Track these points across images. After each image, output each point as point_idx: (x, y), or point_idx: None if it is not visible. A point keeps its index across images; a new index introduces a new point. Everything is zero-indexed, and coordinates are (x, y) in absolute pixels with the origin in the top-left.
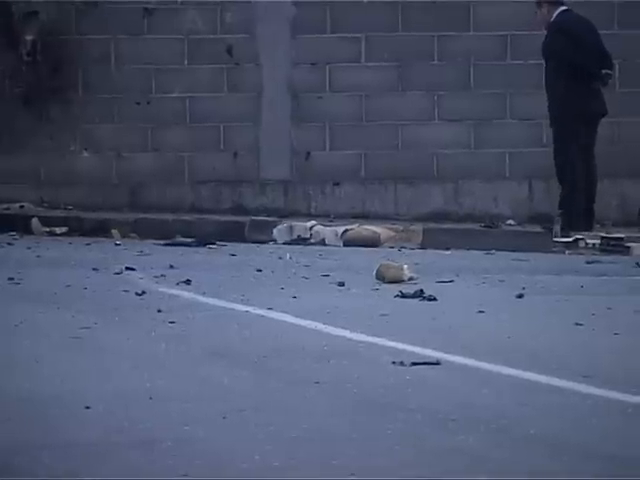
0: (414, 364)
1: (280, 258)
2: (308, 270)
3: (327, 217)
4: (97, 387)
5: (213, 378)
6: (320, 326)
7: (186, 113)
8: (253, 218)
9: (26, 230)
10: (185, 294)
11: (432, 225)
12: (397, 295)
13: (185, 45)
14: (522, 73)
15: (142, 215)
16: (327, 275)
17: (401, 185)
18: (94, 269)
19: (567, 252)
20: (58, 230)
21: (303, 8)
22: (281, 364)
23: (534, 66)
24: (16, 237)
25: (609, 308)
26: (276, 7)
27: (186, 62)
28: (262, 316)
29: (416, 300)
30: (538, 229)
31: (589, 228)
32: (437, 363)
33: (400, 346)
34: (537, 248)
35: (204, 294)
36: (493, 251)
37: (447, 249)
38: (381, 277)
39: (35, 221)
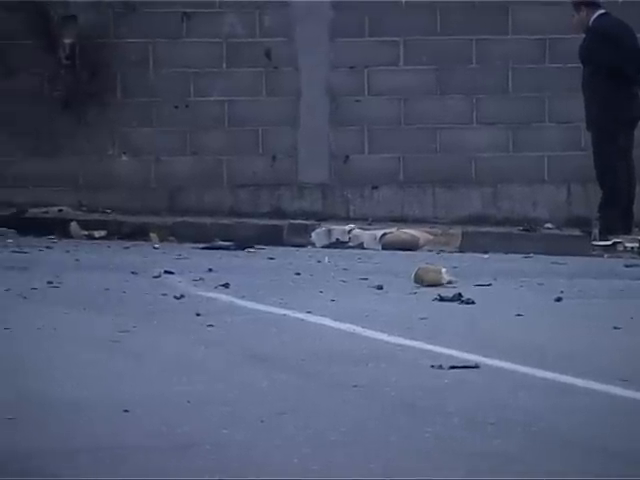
0: (452, 367)
1: (319, 261)
2: (346, 273)
3: (365, 220)
4: (135, 391)
5: (252, 382)
6: (358, 329)
7: (225, 116)
8: (291, 222)
9: (65, 234)
10: (223, 297)
11: (471, 228)
12: (435, 298)
13: (224, 48)
14: (560, 76)
15: (180, 219)
16: (365, 279)
17: (439, 188)
18: (133, 273)
19: (605, 256)
20: (97, 234)
21: (341, 11)
22: (319, 367)
23: (572, 69)
24: (55, 241)
25: None
26: (314, 10)
27: (225, 65)
28: (301, 319)
29: (454, 303)
30: (576, 233)
31: (628, 231)
32: (475, 366)
33: (438, 349)
34: (575, 252)
35: (243, 298)
36: (531, 255)
37: (485, 252)
38: (419, 280)
39: (74, 225)
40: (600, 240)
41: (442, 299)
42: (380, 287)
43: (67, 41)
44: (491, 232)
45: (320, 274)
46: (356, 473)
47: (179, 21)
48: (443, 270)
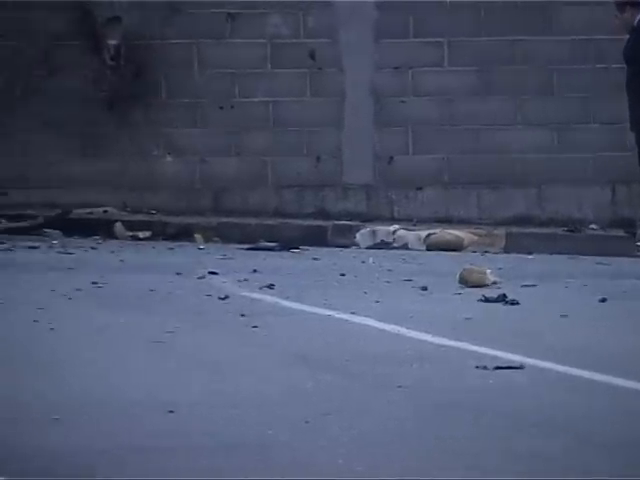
0: (497, 368)
1: (363, 262)
2: (391, 274)
3: (410, 221)
4: (180, 391)
5: (296, 382)
6: (403, 330)
7: (269, 117)
8: (336, 222)
9: (109, 234)
10: (268, 298)
11: (515, 229)
12: (480, 299)
13: (268, 49)
14: (605, 77)
15: (225, 219)
16: (410, 279)
17: (484, 189)
18: (177, 273)
19: None
20: (141, 234)
21: (385, 12)
22: (364, 368)
23: (617, 70)
24: (99, 241)
25: None
26: (359, 11)
27: (269, 66)
28: (345, 320)
29: (499, 304)
30: (621, 233)
31: None
32: (520, 367)
33: (483, 350)
34: (620, 252)
35: (287, 298)
36: (576, 255)
37: (530, 253)
38: (464, 281)
39: (118, 225)
40: None
41: (487, 300)
42: (425, 288)
43: (112, 42)
44: (535, 233)
45: (364, 275)
46: (400, 473)
47: (223, 22)
48: (488, 271)
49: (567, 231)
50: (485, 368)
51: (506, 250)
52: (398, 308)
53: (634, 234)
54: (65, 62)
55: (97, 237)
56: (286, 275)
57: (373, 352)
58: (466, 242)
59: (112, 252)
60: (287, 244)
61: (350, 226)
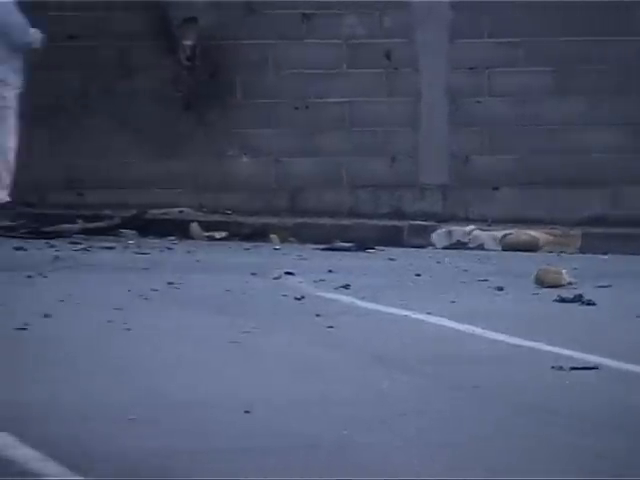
0: (573, 369)
1: (438, 263)
2: (466, 274)
3: (485, 222)
4: (257, 391)
5: (372, 382)
6: (478, 330)
7: (345, 118)
8: (412, 223)
9: (185, 235)
10: (344, 298)
11: (591, 229)
12: (556, 300)
13: (344, 50)
14: None
15: (301, 220)
16: (485, 280)
17: (560, 189)
18: (253, 274)
19: None
20: (217, 235)
21: (461, 12)
22: (440, 368)
23: None
24: (175, 242)
25: None
26: (434, 11)
27: (345, 67)
28: (421, 320)
29: (575, 305)
30: None
31: None
32: (596, 368)
33: (559, 350)
34: None
35: (363, 299)
36: None
37: (605, 254)
38: (540, 282)
39: (194, 226)
40: None
41: (562, 300)
42: (500, 288)
43: (188, 42)
44: (611, 233)
45: (440, 275)
46: (477, 474)
47: (299, 22)
48: (563, 271)
49: None
50: (561, 368)
51: (582, 250)
52: (474, 308)
53: None
54: (141, 63)
55: (173, 237)
56: (362, 275)
57: (449, 352)
58: (542, 242)
59: (188, 252)
60: (363, 244)
61: (426, 226)
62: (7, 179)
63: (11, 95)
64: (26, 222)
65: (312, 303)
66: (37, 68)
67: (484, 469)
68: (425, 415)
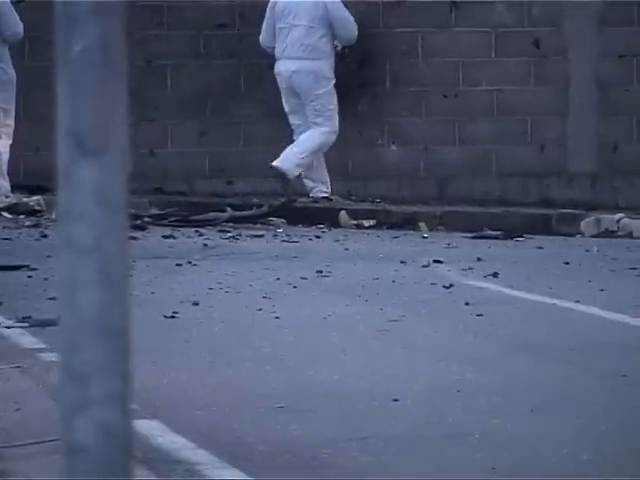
0: None
1: (587, 251)
2: (615, 263)
3: (634, 210)
4: (405, 380)
5: (521, 371)
6: (627, 319)
7: (493, 106)
8: (560, 211)
9: (334, 223)
10: (492, 287)
11: None
12: None
13: (492, 38)
14: None
15: (449, 208)
16: (634, 268)
17: None
18: (402, 262)
19: None
20: (366, 223)
21: (610, 0)
22: (588, 357)
23: None
24: (324, 230)
25: None
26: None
27: (493, 55)
28: (569, 309)
29: None
30: None
31: None
32: None
33: None
34: None
35: (511, 287)
36: None
37: None
38: None
39: (343, 214)
40: None
41: None
42: None
43: None
44: None
45: (589, 263)
46: (629, 465)
47: (447, 11)
48: None
49: None
50: None
51: None
52: (623, 297)
53: None
54: None
55: (321, 225)
56: (510, 264)
57: (597, 341)
58: None
59: (336, 241)
60: (511, 232)
61: (574, 214)
62: None
63: None
64: (175, 210)
65: (461, 291)
66: (186, 57)
67: (638, 457)
68: (574, 404)
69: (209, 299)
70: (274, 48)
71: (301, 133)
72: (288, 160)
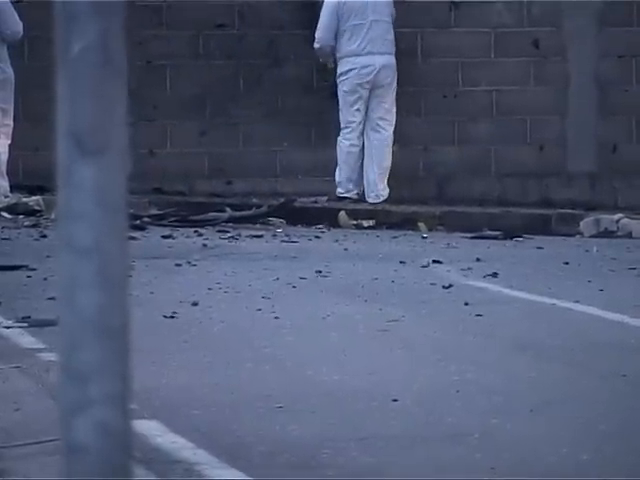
0: None
1: (587, 251)
2: (615, 263)
3: (634, 210)
4: (404, 380)
5: (520, 371)
6: (627, 319)
7: (492, 106)
8: (559, 211)
9: (333, 223)
10: (492, 287)
11: None
12: None
13: (491, 38)
14: None
15: (448, 208)
16: (634, 268)
17: None
18: (401, 262)
19: None
20: (365, 223)
21: (609, 0)
22: (588, 357)
23: None
24: (323, 230)
25: None
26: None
27: (492, 55)
28: (569, 309)
29: None
30: None
31: None
32: None
33: None
34: None
35: (511, 287)
36: None
37: None
38: None
39: (342, 214)
40: None
41: None
42: None
43: None
44: None
45: (588, 263)
46: (630, 462)
47: (447, 10)
48: None
49: None
50: None
51: None
52: (622, 297)
53: None
54: (289, 52)
55: (321, 226)
56: (510, 264)
57: (597, 341)
58: None
59: (336, 241)
60: (510, 232)
61: (574, 215)
62: None
63: None
64: (175, 211)
65: (460, 291)
66: (185, 57)
67: (633, 462)
68: (574, 403)
69: (208, 299)
70: (334, 47)
71: (353, 131)
72: (379, 187)
